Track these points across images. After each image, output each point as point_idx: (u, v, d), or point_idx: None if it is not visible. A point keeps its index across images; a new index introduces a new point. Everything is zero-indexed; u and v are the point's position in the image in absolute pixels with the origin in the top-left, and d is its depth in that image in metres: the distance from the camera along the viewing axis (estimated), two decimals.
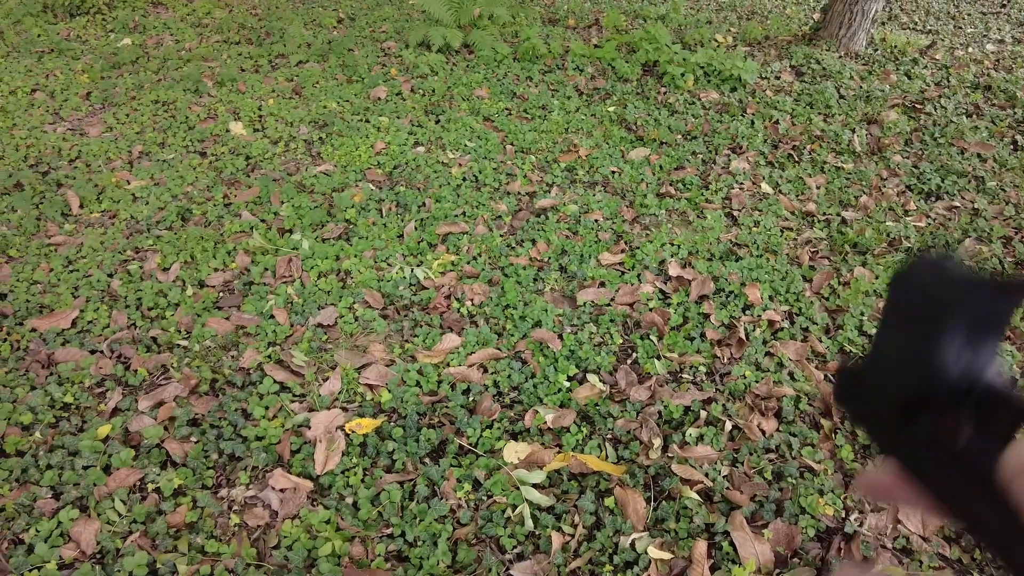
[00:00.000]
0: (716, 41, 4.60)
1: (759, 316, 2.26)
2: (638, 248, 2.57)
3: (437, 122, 3.55)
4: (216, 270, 2.41)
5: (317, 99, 3.75)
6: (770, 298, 2.36)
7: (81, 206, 2.83)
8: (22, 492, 1.61)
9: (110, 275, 2.39)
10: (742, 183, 3.05)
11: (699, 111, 3.69)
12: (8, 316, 2.20)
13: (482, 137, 3.38)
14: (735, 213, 2.85)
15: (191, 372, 1.96)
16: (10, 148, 3.26)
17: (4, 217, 2.72)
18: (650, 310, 2.26)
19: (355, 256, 2.49)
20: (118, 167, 3.13)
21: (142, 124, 3.53)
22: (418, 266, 2.47)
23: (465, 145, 3.32)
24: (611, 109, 3.69)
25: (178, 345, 2.08)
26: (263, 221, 2.68)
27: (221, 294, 2.31)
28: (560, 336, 2.11)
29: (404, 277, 2.40)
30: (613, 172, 3.11)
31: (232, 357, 2.03)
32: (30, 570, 1.45)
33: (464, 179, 3.04)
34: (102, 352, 2.06)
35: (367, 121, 3.53)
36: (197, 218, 2.73)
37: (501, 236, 2.64)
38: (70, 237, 2.63)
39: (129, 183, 2.99)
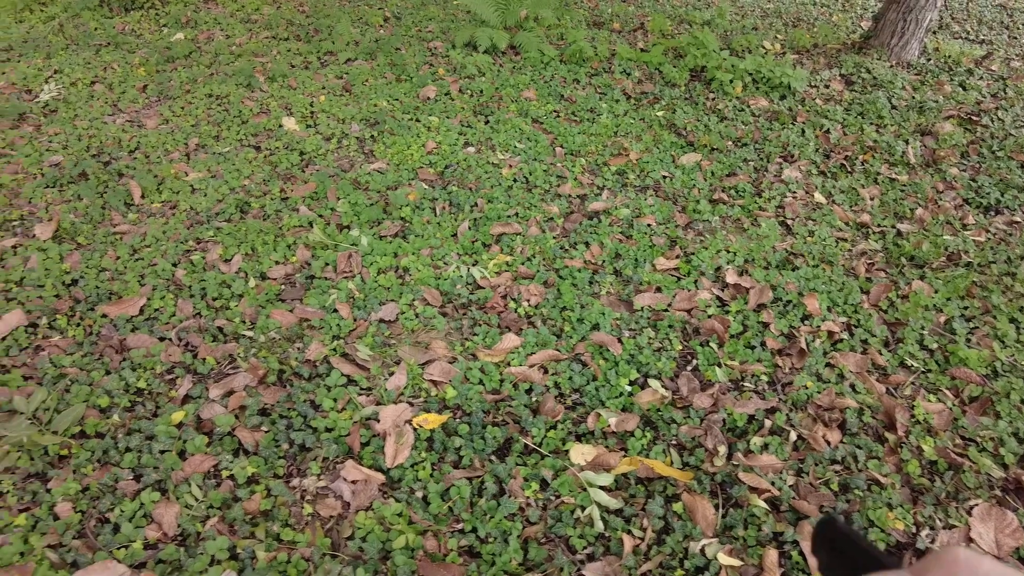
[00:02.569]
0: (764, 48, 4.57)
1: (818, 327, 2.25)
2: (693, 254, 2.57)
3: (486, 123, 3.57)
4: (277, 263, 2.46)
5: (367, 97, 3.79)
6: (828, 309, 2.34)
7: (143, 196, 2.89)
8: (104, 473, 1.66)
9: (174, 264, 2.45)
10: (795, 192, 3.04)
11: (748, 118, 3.68)
12: (80, 301, 2.26)
13: (531, 139, 3.40)
14: (789, 222, 2.83)
15: (258, 362, 2.00)
16: (73, 138, 3.34)
17: (71, 205, 2.79)
18: (709, 317, 2.26)
19: (413, 254, 2.52)
20: (176, 159, 3.20)
21: (197, 117, 3.60)
22: (473, 265, 2.49)
23: (515, 146, 3.34)
24: (660, 114, 3.68)
25: (243, 335, 2.13)
26: (321, 216, 2.72)
27: (283, 287, 2.35)
28: (619, 340, 2.12)
29: (461, 276, 2.43)
30: (664, 177, 3.11)
31: (298, 349, 2.06)
32: (118, 548, 1.49)
33: (515, 180, 3.06)
34: (170, 340, 2.11)
35: (417, 120, 3.56)
36: (255, 211, 2.78)
37: (554, 238, 2.66)
38: (134, 226, 2.69)
39: (187, 175, 3.05)
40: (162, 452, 1.72)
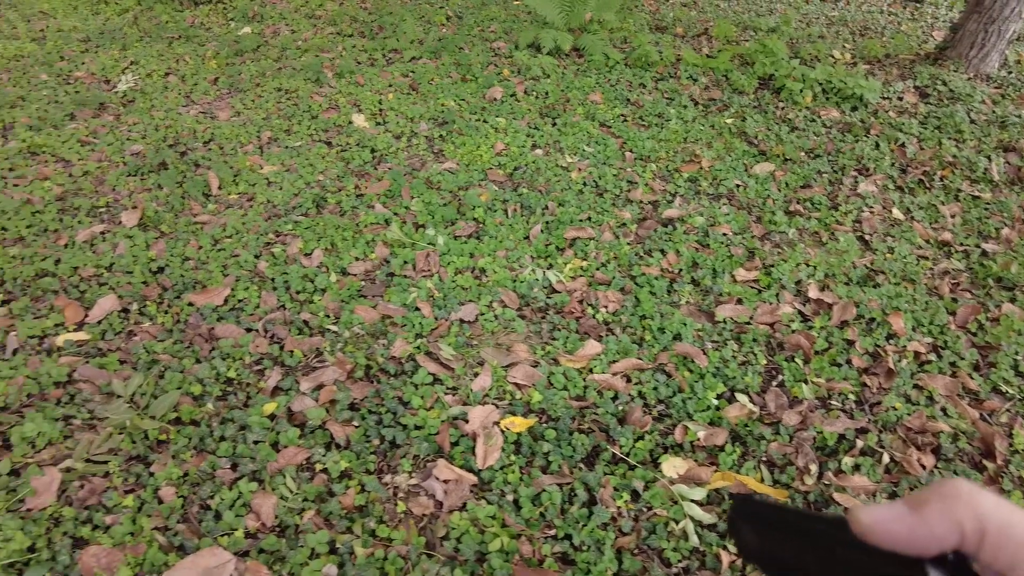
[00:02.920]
0: (833, 57, 4.49)
1: (904, 347, 2.20)
2: (773, 266, 2.53)
3: (553, 125, 3.57)
4: (357, 259, 2.49)
5: (434, 96, 3.81)
6: (913, 328, 2.29)
7: (220, 187, 2.94)
8: (202, 460, 1.69)
9: (256, 256, 2.49)
10: (872, 207, 2.98)
11: (820, 129, 3.61)
12: (168, 289, 2.31)
13: (600, 142, 3.38)
14: (867, 237, 2.78)
15: (345, 357, 2.02)
16: (151, 128, 3.42)
17: (153, 194, 2.86)
18: (792, 332, 2.22)
19: (488, 255, 2.53)
20: (249, 151, 3.25)
21: (267, 111, 3.66)
22: (548, 269, 2.49)
23: (583, 150, 3.33)
24: (729, 121, 3.64)
25: (328, 330, 2.16)
26: (396, 215, 2.75)
27: (364, 283, 2.38)
28: (704, 352, 2.10)
29: (537, 279, 2.43)
30: (738, 186, 3.07)
31: (383, 345, 2.08)
32: (221, 535, 1.52)
33: (585, 184, 3.05)
34: (257, 331, 2.15)
35: (485, 121, 3.57)
36: (332, 207, 2.81)
37: (628, 244, 2.64)
38: (213, 216, 2.74)
39: (262, 168, 3.10)
40: (256, 443, 1.75)
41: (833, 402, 1.99)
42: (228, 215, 2.74)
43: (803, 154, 3.35)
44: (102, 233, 2.59)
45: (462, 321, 2.21)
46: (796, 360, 2.12)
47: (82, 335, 2.10)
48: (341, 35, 4.79)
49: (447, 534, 1.56)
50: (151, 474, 1.66)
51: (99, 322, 2.15)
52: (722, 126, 3.58)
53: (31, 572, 1.42)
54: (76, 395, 1.88)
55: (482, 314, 2.24)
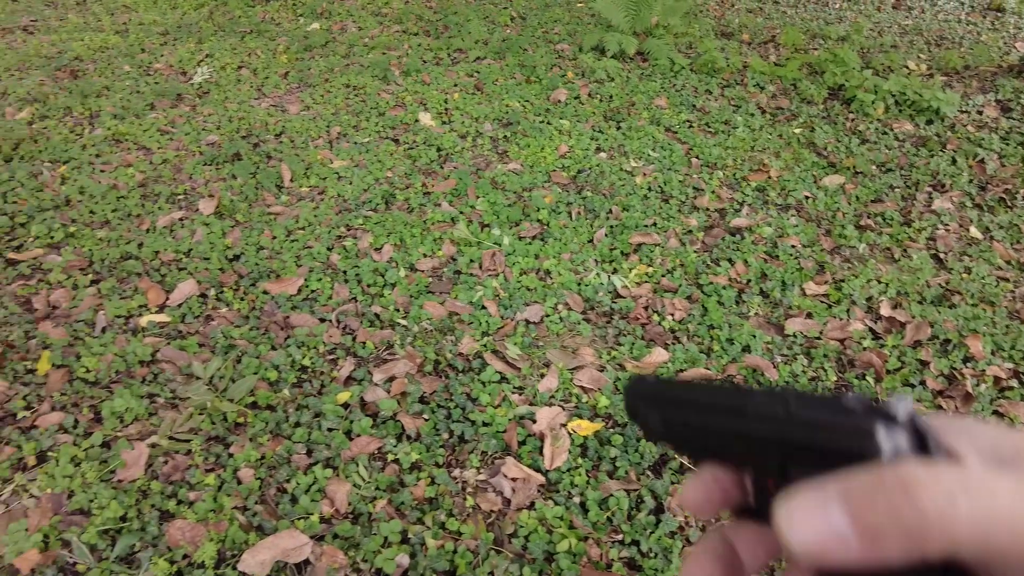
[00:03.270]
0: (907, 68, 4.36)
1: (983, 371, 2.13)
2: (843, 281, 2.48)
3: (618, 128, 3.56)
4: (425, 256, 2.53)
5: (499, 97, 3.84)
6: (992, 352, 2.22)
7: (292, 179, 3.03)
8: (278, 444, 1.75)
9: (328, 248, 2.55)
10: (947, 224, 2.89)
11: (892, 142, 3.52)
12: (243, 276, 2.39)
13: (665, 148, 3.36)
14: (942, 256, 2.70)
15: (415, 351, 2.06)
16: (224, 119, 3.53)
17: (227, 184, 2.96)
18: (864, 349, 2.18)
19: (553, 257, 2.54)
20: (320, 145, 3.33)
21: (336, 106, 3.74)
22: (613, 273, 2.49)
23: (648, 154, 3.31)
24: (797, 131, 3.58)
25: (399, 323, 2.20)
26: (462, 213, 2.78)
27: (431, 279, 2.42)
28: (774, 365, 2.08)
29: (601, 283, 2.43)
30: (806, 197, 3.02)
31: (451, 341, 2.12)
32: (297, 518, 1.57)
33: (650, 189, 3.04)
34: (330, 321, 2.20)
35: (549, 123, 3.58)
36: (400, 203, 2.87)
37: (695, 252, 2.62)
38: (286, 208, 2.82)
39: (332, 162, 3.18)
40: (330, 430, 1.80)
41: None
42: (300, 207, 2.82)
43: (874, 167, 3.27)
44: (181, 219, 2.69)
45: (528, 321, 2.22)
46: (867, 378, 2.07)
47: (163, 317, 2.19)
48: (407, 33, 4.86)
49: (515, 532, 1.58)
50: (230, 455, 1.72)
51: (179, 305, 2.23)
52: (790, 136, 3.52)
53: (123, 540, 1.48)
54: (159, 375, 1.96)
55: (547, 315, 2.26)
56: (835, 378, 2.08)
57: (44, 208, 2.66)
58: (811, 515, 0.23)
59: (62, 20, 4.87)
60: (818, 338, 2.22)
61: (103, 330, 2.11)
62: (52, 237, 2.51)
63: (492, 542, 1.56)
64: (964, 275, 2.59)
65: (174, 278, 2.35)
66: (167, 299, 2.26)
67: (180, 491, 1.62)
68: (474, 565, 1.50)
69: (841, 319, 2.29)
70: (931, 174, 3.22)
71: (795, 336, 2.21)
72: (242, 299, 2.30)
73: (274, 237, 2.62)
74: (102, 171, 2.97)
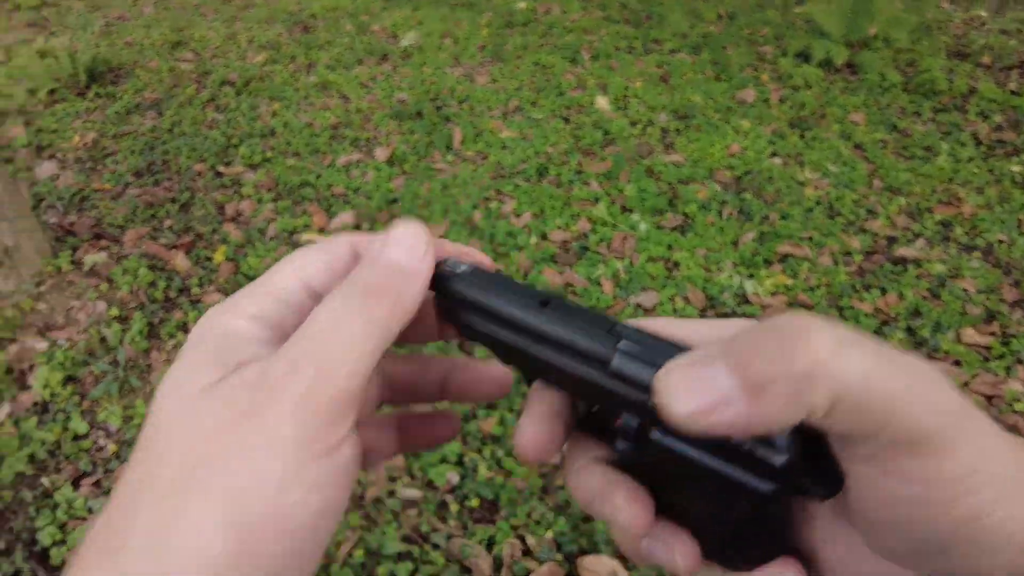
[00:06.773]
0: None
1: None
2: (1015, 337, 2.16)
3: (801, 137, 3.35)
4: (559, 228, 2.60)
5: (682, 90, 3.78)
6: None
7: (461, 142, 3.24)
8: None
9: (474, 207, 2.72)
10: None
11: None
12: (395, 217, 2.63)
13: (848, 164, 3.11)
14: None
15: None
16: (418, 82, 3.85)
17: (404, 137, 3.24)
18: (1015, 411, 1.90)
19: (688, 250, 2.49)
20: (495, 116, 3.52)
21: (520, 81, 3.90)
22: (748, 278, 2.39)
23: (827, 168, 3.09)
24: (1016, 168, 3.12)
25: None
26: (608, 195, 2.81)
27: (559, 250, 2.49)
28: None
29: (732, 285, 2.34)
30: (1000, 241, 2.64)
31: None
32: None
33: (818, 203, 2.84)
34: None
35: (727, 121, 3.47)
36: (551, 177, 2.96)
37: (847, 274, 2.43)
38: (449, 166, 3.03)
39: (502, 132, 3.35)
40: None
41: None
42: (461, 167, 3.02)
43: None
44: (357, 161, 3.01)
45: (639, 306, 2.22)
46: None
47: (320, 237, 2.48)
48: (608, 20, 4.91)
49: (563, 486, 1.62)
50: None
51: (335, 231, 2.52)
52: (1004, 172, 3.09)
53: None
54: None
55: (661, 304, 2.23)
56: None
57: (253, 135, 3.12)
58: (692, 379, 0.23)
59: None
60: (963, 387, 1.97)
61: (271, 239, 2.45)
62: (253, 159, 2.94)
63: (539, 489, 1.61)
64: None
65: (338, 207, 2.65)
66: (327, 224, 2.56)
67: None
68: (515, 502, 1.56)
69: (997, 375, 2.01)
70: None
71: None
72: None
73: (431, 189, 2.84)
74: (305, 111, 3.40)
